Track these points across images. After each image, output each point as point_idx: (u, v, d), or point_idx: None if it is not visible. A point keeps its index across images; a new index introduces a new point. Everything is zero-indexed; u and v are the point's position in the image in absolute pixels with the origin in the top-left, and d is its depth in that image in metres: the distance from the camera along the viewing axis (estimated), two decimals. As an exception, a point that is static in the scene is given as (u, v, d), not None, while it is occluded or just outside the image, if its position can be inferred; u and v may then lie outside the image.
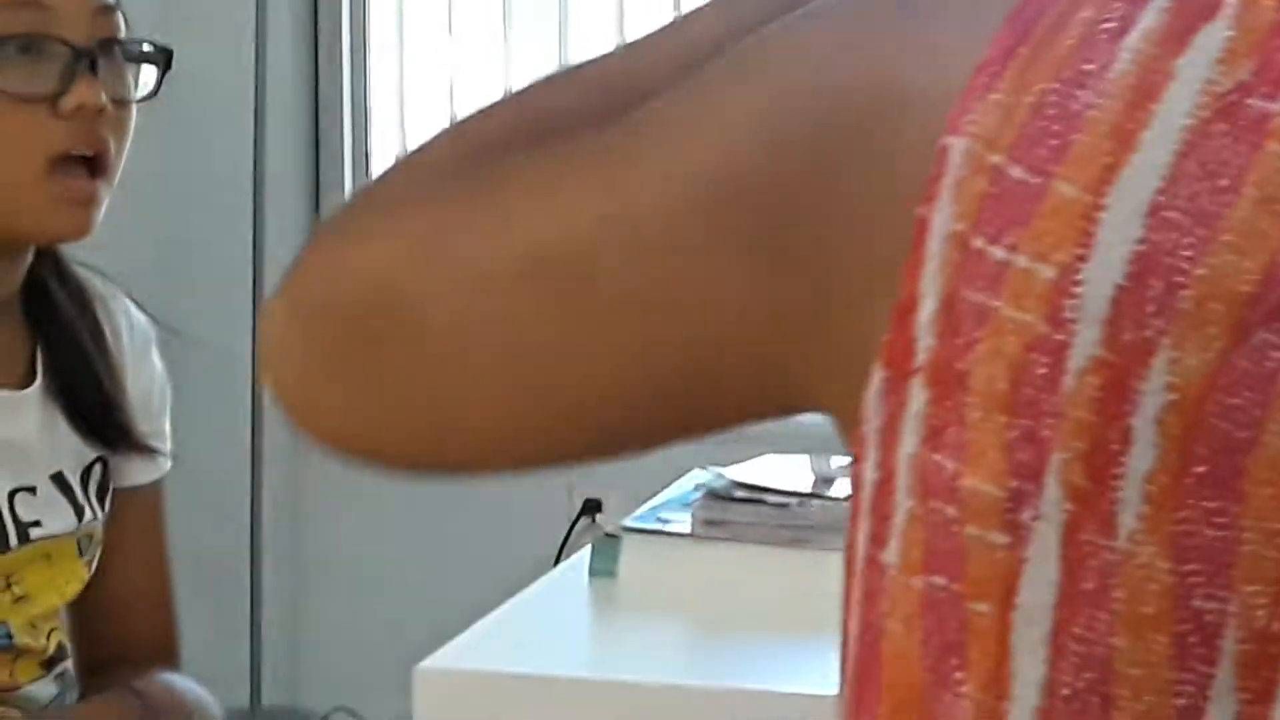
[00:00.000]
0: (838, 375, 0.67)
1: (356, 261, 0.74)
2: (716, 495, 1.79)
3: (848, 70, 0.66)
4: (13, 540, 1.63)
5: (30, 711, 1.67)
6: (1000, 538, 0.63)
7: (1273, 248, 0.60)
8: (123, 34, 1.63)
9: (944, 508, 0.64)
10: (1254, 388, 0.60)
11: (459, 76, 3.85)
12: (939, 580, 0.64)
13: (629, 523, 1.79)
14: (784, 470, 1.86)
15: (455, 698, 1.51)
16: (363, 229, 0.76)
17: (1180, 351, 0.60)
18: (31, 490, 1.66)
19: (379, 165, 3.87)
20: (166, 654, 1.83)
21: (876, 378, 0.65)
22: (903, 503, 0.65)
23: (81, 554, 1.70)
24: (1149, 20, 0.62)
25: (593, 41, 3.63)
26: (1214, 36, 0.62)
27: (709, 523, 1.76)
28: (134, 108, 1.64)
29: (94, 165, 1.59)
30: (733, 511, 1.77)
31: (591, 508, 3.67)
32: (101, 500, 1.73)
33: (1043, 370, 0.61)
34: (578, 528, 3.67)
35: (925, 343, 0.63)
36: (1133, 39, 0.62)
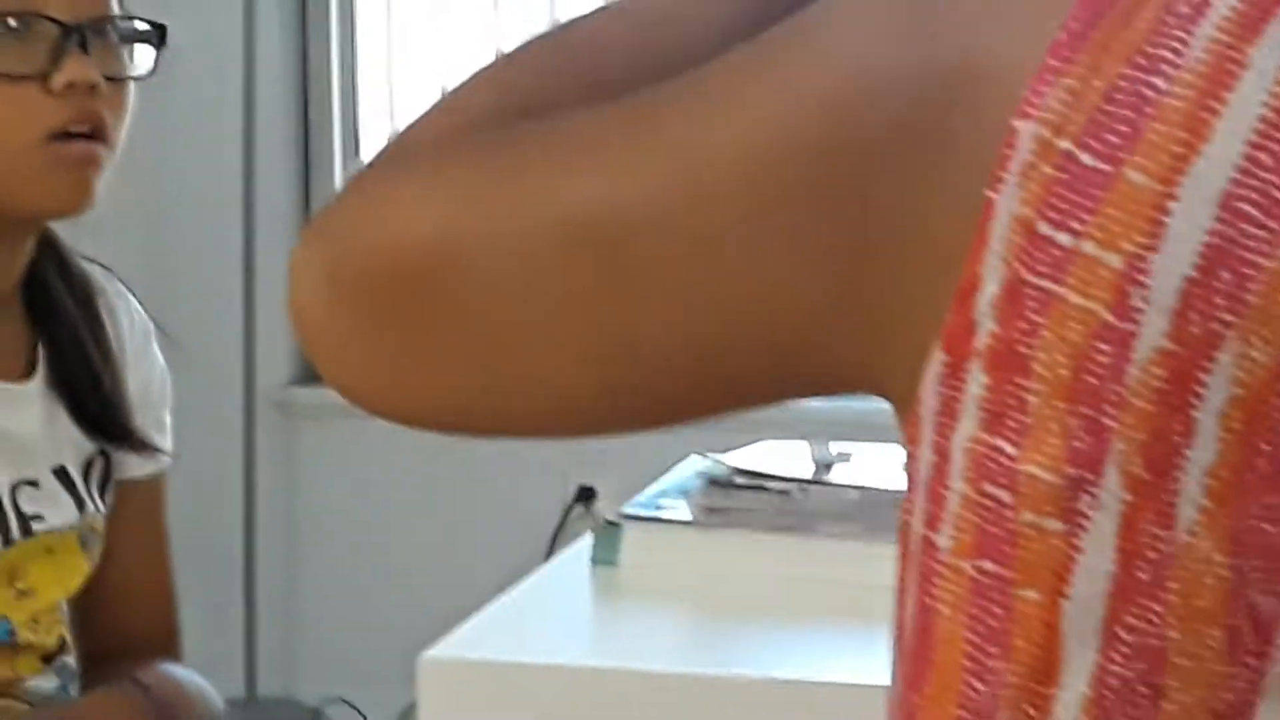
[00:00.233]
0: (896, 356, 0.66)
1: (400, 222, 0.72)
2: (717, 482, 1.78)
3: (921, 44, 0.65)
4: (15, 534, 1.63)
5: (37, 704, 1.67)
6: (1055, 524, 0.63)
7: None
8: (114, 12, 1.63)
9: (998, 493, 0.63)
10: None
11: (448, 51, 3.84)
12: (988, 565, 0.64)
13: (630, 510, 1.79)
14: (783, 456, 1.86)
15: (460, 687, 1.51)
16: (404, 185, 0.74)
17: (1247, 345, 0.60)
18: (34, 484, 1.66)
19: (368, 144, 3.87)
20: (168, 645, 1.83)
21: (935, 360, 0.65)
22: (956, 486, 0.65)
23: (84, 547, 1.70)
24: (1223, 6, 0.62)
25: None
26: None
27: (710, 510, 1.76)
28: (131, 85, 1.64)
29: (92, 141, 1.59)
30: (734, 498, 1.76)
31: (586, 495, 3.67)
32: (103, 493, 1.73)
33: (1107, 359, 0.61)
34: (572, 514, 3.68)
35: (986, 326, 0.63)
36: (1207, 25, 0.61)
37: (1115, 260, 0.61)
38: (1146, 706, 0.63)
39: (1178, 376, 0.61)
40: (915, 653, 0.67)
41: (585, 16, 0.80)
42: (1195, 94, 0.61)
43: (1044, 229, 0.62)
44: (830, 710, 1.44)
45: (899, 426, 0.68)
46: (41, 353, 1.70)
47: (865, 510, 1.73)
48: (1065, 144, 0.62)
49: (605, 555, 1.75)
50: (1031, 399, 0.62)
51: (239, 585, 3.74)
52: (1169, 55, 0.61)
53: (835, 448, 1.87)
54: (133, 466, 1.77)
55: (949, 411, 0.64)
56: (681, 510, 1.78)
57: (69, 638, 1.73)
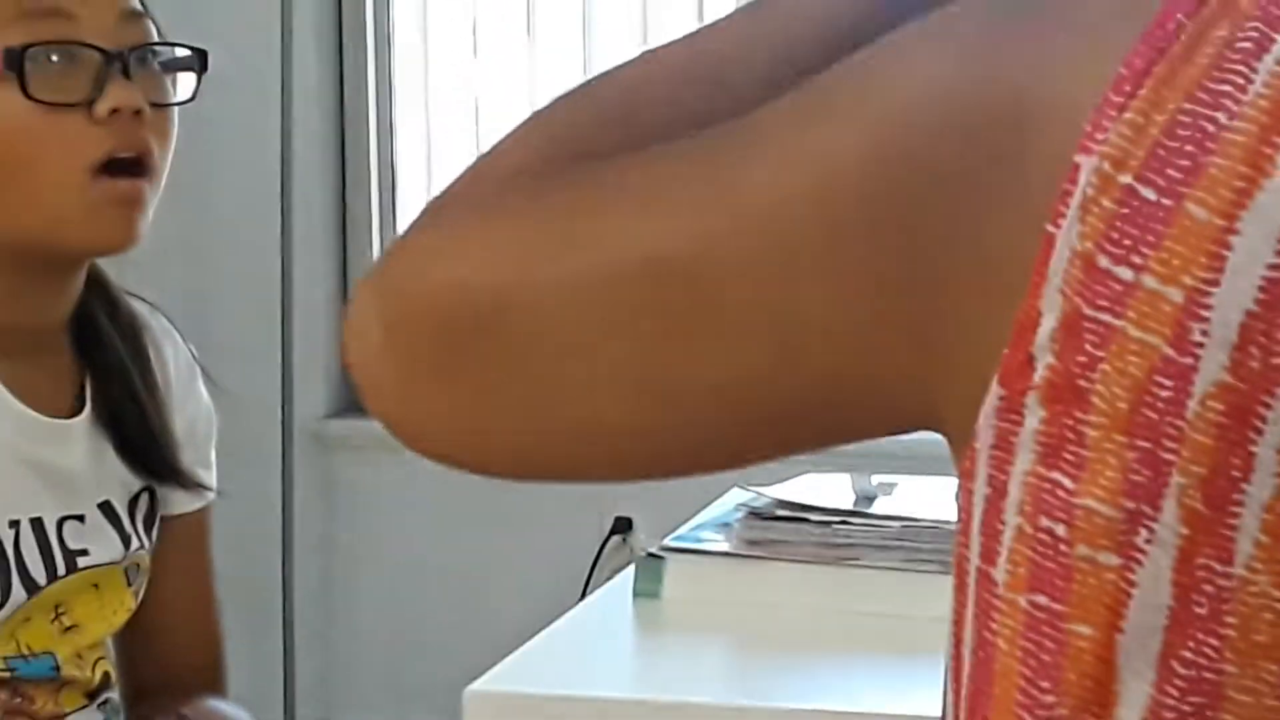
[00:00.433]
0: (954, 390, 0.66)
1: (458, 269, 0.73)
2: (759, 514, 1.79)
3: (982, 77, 0.65)
4: (61, 569, 1.64)
5: (84, 741, 1.68)
6: (1111, 559, 0.63)
7: None
8: (154, 39, 1.64)
9: (1054, 526, 0.64)
10: None
11: (483, 88, 3.85)
12: (1041, 599, 0.64)
13: (672, 543, 1.80)
14: (825, 489, 1.87)
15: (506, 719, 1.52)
16: (460, 233, 0.74)
17: None
18: (80, 519, 1.66)
19: (405, 176, 3.88)
20: (213, 680, 1.83)
21: (993, 394, 0.65)
22: (1012, 520, 0.65)
23: (129, 583, 1.70)
24: None
25: (617, 51, 3.63)
26: None
27: (752, 542, 1.76)
28: (175, 112, 1.65)
29: (138, 168, 1.59)
30: (775, 531, 1.77)
31: (623, 526, 3.68)
32: (149, 529, 1.73)
33: (1167, 393, 0.61)
34: (609, 545, 3.68)
35: (1044, 360, 0.63)
36: (1269, 60, 0.62)
37: (1176, 294, 0.61)
38: None
39: (1237, 411, 0.61)
40: (976, 686, 0.67)
41: (622, 65, 0.81)
42: (1257, 128, 0.61)
43: (1104, 263, 0.62)
44: (874, 742, 1.44)
45: (954, 461, 0.68)
46: (89, 389, 1.70)
47: (907, 542, 1.73)
48: (1126, 179, 0.62)
49: (648, 588, 1.75)
50: (1090, 432, 0.63)
51: (277, 617, 3.74)
52: (1231, 90, 0.62)
53: (877, 480, 1.88)
54: (178, 502, 1.77)
55: (1005, 445, 0.65)
56: (723, 543, 1.79)
57: (113, 673, 1.73)
